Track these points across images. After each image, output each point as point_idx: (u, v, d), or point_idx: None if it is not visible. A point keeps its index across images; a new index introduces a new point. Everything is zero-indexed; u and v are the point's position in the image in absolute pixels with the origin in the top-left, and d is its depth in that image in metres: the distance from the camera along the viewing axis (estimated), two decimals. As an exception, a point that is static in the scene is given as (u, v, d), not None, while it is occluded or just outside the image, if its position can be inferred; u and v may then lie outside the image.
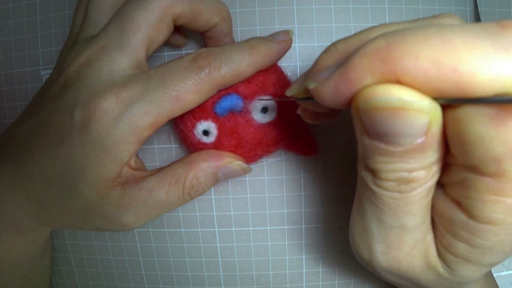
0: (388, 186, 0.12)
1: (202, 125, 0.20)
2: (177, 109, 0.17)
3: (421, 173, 0.12)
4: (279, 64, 0.21)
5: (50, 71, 0.25)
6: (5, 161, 0.19)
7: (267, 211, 0.25)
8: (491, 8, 0.25)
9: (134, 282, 0.27)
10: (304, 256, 0.26)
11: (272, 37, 0.20)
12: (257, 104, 0.20)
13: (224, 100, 0.19)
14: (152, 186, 0.19)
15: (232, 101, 0.19)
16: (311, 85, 0.13)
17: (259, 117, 0.20)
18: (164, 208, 0.20)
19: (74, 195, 0.18)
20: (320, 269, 0.26)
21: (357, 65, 0.11)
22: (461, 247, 0.13)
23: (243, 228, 0.26)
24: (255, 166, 0.25)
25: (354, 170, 0.15)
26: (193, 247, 0.26)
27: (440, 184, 0.13)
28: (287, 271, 0.26)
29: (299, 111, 0.18)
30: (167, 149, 0.25)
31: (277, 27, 0.24)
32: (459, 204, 0.12)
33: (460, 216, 0.12)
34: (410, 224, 0.13)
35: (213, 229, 0.26)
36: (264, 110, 0.20)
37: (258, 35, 0.22)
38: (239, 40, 0.23)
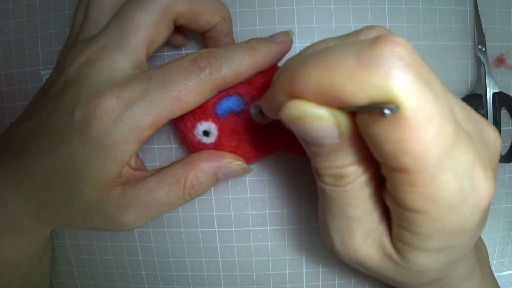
0: (328, 181, 0.15)
1: (203, 126, 0.20)
2: (177, 110, 0.17)
3: (350, 169, 0.14)
4: (279, 65, 0.21)
5: (50, 71, 0.25)
6: (5, 161, 0.19)
7: (267, 211, 0.25)
8: (491, 8, 0.25)
9: (134, 282, 0.27)
10: (304, 256, 0.26)
11: (272, 38, 0.20)
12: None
13: (224, 101, 0.19)
14: (152, 186, 0.19)
15: (233, 102, 0.19)
16: (259, 103, 0.16)
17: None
18: (164, 208, 0.20)
19: (74, 195, 0.18)
20: (320, 269, 0.26)
21: (276, 87, 0.14)
22: (405, 235, 0.14)
23: (243, 228, 0.26)
24: (255, 166, 0.25)
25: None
26: (193, 247, 0.26)
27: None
28: (287, 271, 0.26)
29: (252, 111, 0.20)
30: (167, 149, 0.25)
31: (277, 27, 0.24)
32: (393, 197, 0.14)
33: (395, 207, 0.14)
34: (355, 215, 0.15)
35: (213, 229, 0.26)
36: (264, 110, 0.20)
37: (258, 35, 0.22)
38: (239, 40, 0.23)
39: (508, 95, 0.25)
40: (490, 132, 0.15)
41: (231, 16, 0.21)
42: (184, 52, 0.25)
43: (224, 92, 0.19)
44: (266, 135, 0.20)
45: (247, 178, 0.25)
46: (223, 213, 0.25)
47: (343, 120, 0.12)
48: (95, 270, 0.28)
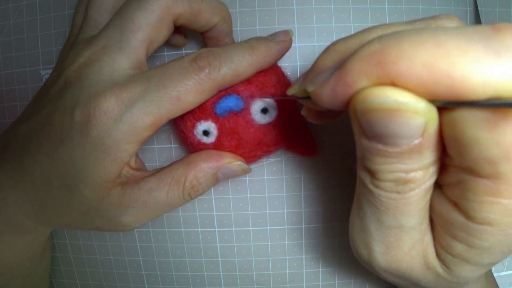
0: (386, 186, 0.13)
1: (202, 126, 0.20)
2: (177, 110, 0.17)
3: (418, 174, 0.12)
4: (279, 64, 0.21)
5: (50, 71, 0.25)
6: (5, 161, 0.19)
7: (267, 211, 0.25)
8: (491, 8, 0.25)
9: (134, 282, 0.27)
10: (304, 256, 0.26)
11: (272, 37, 0.20)
12: (257, 105, 0.20)
13: (224, 100, 0.19)
14: (152, 187, 0.19)
15: (232, 102, 0.19)
16: (310, 88, 0.13)
17: (259, 118, 0.20)
18: (164, 208, 0.20)
19: (74, 196, 0.18)
20: (320, 269, 0.26)
21: (353, 68, 0.11)
22: (459, 247, 0.13)
23: (243, 228, 0.26)
24: (255, 166, 0.25)
25: (354, 170, 0.15)
26: (193, 247, 0.26)
27: (438, 185, 0.13)
28: (287, 271, 0.26)
29: (303, 112, 0.18)
30: (167, 149, 0.25)
31: (277, 27, 0.24)
32: (457, 205, 0.12)
33: (457, 217, 0.12)
34: (408, 225, 0.13)
35: (213, 229, 0.26)
36: (264, 110, 0.20)
37: (258, 35, 0.22)
38: (239, 40, 0.23)
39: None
40: None
41: (231, 16, 0.21)
42: (184, 52, 0.25)
43: (223, 91, 0.19)
44: (266, 135, 0.20)
45: (247, 178, 0.25)
46: (223, 213, 0.25)
47: (434, 117, 0.11)
48: (95, 270, 0.28)
